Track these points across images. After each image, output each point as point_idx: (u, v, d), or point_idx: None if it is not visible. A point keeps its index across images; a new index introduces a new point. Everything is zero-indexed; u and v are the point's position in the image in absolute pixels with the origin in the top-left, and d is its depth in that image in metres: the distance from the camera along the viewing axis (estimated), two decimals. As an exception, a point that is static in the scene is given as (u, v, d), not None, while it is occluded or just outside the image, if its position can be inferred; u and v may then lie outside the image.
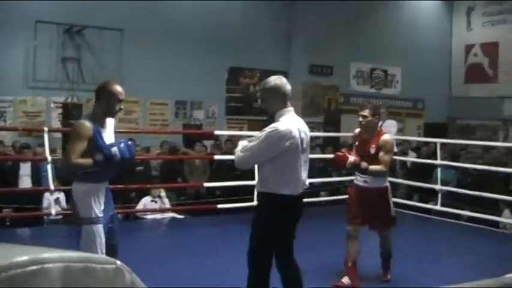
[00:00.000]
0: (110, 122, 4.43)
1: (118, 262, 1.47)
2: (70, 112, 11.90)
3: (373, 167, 5.40)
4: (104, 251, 4.16)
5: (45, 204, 9.11)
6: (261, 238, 4.26)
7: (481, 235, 8.77)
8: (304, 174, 4.35)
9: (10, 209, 9.15)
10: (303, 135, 4.31)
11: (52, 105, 12.65)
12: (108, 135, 4.36)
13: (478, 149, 13.21)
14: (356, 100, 17.15)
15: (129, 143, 4.35)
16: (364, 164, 5.33)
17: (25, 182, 9.62)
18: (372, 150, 5.51)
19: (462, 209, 9.73)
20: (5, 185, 9.23)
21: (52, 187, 8.35)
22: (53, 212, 8.57)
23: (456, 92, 19.05)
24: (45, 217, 9.24)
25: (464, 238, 8.67)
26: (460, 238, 8.68)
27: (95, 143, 4.18)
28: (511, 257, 7.24)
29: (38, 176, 9.59)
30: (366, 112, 5.55)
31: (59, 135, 11.46)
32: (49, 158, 8.27)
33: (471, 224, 9.38)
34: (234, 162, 4.54)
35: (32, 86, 12.41)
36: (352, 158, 5.28)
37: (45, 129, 8.58)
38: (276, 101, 4.35)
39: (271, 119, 4.36)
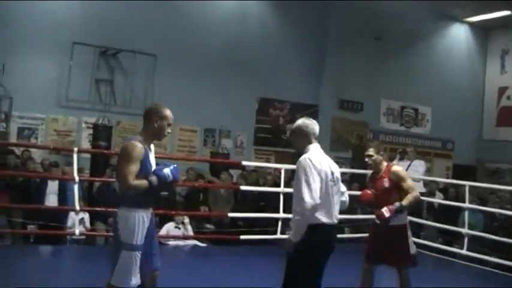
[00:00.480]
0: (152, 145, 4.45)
1: None
2: (100, 133, 12.02)
3: (405, 200, 5.49)
4: (137, 277, 4.17)
5: (69, 223, 9.14)
6: (302, 272, 4.29)
7: (506, 282, 8.59)
8: (337, 206, 4.46)
9: (35, 225, 9.22)
10: (332, 166, 4.47)
11: (83, 125, 12.78)
12: (153, 158, 4.39)
13: (507, 193, 12.99)
14: (385, 137, 17.09)
15: (175, 165, 4.33)
16: (397, 204, 5.43)
17: (51, 199, 9.67)
18: (386, 184, 5.64)
19: (488, 254, 9.54)
20: (32, 201, 9.32)
21: (78, 207, 8.41)
22: (77, 232, 8.61)
23: (487, 134, 18.85)
24: (68, 236, 9.27)
25: (488, 284, 8.49)
26: (485, 284, 8.50)
27: (146, 166, 4.21)
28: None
29: (64, 194, 9.65)
30: (371, 151, 5.74)
31: (87, 155, 11.58)
32: (76, 178, 8.35)
33: (497, 271, 9.18)
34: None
35: (64, 105, 12.56)
36: (386, 211, 5.42)
37: (75, 149, 8.71)
38: (304, 139, 4.51)
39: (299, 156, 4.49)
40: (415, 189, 5.64)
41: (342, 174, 4.88)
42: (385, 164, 5.76)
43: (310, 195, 4.18)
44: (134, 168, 4.13)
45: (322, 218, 4.28)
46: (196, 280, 6.89)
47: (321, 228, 4.27)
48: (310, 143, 4.49)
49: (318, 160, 4.34)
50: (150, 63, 13.07)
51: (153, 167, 4.29)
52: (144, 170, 4.19)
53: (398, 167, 5.83)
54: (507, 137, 17.91)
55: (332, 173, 4.41)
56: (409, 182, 5.60)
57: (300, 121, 4.59)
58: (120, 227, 4.20)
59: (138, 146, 4.18)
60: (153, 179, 4.18)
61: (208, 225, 10.49)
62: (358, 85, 16.00)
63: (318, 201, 4.17)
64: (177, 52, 13.55)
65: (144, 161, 4.20)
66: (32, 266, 7.26)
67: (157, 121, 4.31)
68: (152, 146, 4.42)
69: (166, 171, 4.21)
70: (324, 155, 4.50)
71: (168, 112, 4.37)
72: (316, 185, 4.22)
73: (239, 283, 6.87)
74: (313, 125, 4.55)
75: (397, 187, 5.58)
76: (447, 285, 8.18)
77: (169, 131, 4.41)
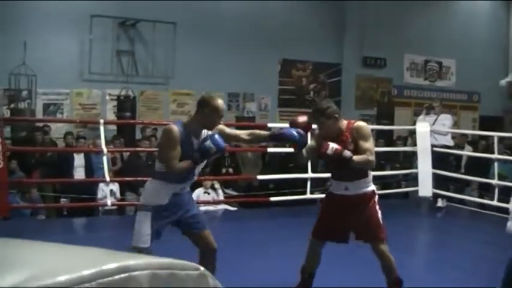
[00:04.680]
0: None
1: (201, 268, 1.44)
2: (124, 104, 12.11)
3: (357, 157, 4.48)
4: (144, 239, 4.34)
5: (99, 195, 9.26)
6: None
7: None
8: None
9: (68, 199, 9.36)
10: None
11: (107, 97, 12.85)
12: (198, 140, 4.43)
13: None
14: (409, 92, 16.95)
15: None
16: (347, 153, 4.43)
17: (79, 173, 9.79)
18: (350, 146, 4.57)
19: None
20: (61, 176, 9.45)
21: (108, 178, 8.50)
22: (109, 202, 8.71)
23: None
24: (100, 207, 9.40)
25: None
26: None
27: (185, 148, 4.31)
28: None
29: (91, 167, 9.77)
30: (318, 119, 4.66)
31: (113, 127, 11.68)
32: (105, 149, 8.42)
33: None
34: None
35: (87, 78, 12.63)
36: (335, 145, 4.42)
37: (101, 121, 8.79)
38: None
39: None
40: (373, 153, 4.56)
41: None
42: (344, 123, 4.71)
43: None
44: (175, 152, 4.27)
45: None
46: (227, 246, 6.95)
47: None
48: None
49: None
50: (169, 31, 13.03)
51: (195, 147, 4.37)
52: (186, 152, 4.30)
53: (361, 123, 4.78)
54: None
55: None
56: (367, 143, 4.57)
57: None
58: (142, 192, 4.59)
59: (173, 131, 4.29)
60: (195, 155, 4.31)
61: (227, 190, 10.47)
62: (380, 41, 15.81)
63: None
64: (196, 19, 13.49)
65: (183, 144, 4.29)
66: (69, 238, 7.38)
67: (206, 112, 4.37)
68: (204, 131, 4.44)
69: (208, 143, 4.26)
70: None
71: (218, 104, 4.40)
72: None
73: (273, 247, 6.93)
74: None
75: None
76: (479, 236, 8.17)
77: (221, 122, 4.50)
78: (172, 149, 4.27)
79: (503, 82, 4.49)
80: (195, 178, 4.65)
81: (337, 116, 4.63)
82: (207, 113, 4.37)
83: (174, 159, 4.27)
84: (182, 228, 4.59)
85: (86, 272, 1.22)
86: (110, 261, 1.30)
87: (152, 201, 4.39)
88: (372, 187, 4.79)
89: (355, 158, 4.46)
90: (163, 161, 4.37)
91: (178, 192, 4.47)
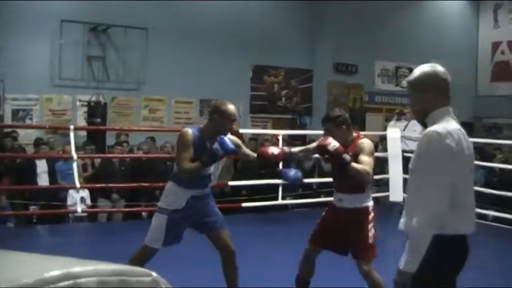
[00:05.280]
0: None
1: (154, 274, 1.41)
2: (95, 110, 12.00)
3: (356, 164, 4.38)
4: (157, 240, 4.55)
5: (69, 201, 9.15)
6: None
7: (505, 235, 8.67)
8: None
9: (37, 206, 9.24)
10: (470, 148, 3.05)
11: (78, 103, 12.73)
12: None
13: (507, 148, 13.03)
14: (381, 98, 17.09)
15: (227, 138, 4.43)
16: (347, 156, 4.32)
17: (43, 179, 9.63)
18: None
19: (487, 208, 9.60)
20: (28, 183, 9.29)
21: (78, 185, 8.41)
22: (79, 209, 8.62)
23: (482, 90, 18.84)
24: (70, 215, 9.29)
25: (488, 237, 8.57)
26: (484, 237, 8.58)
27: (198, 151, 4.45)
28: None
29: (54, 173, 9.62)
30: (327, 125, 4.69)
31: (84, 133, 11.57)
32: (75, 156, 8.34)
33: (496, 224, 9.27)
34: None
35: (57, 84, 12.51)
36: (337, 143, 4.33)
37: (71, 127, 8.69)
38: (433, 97, 3.11)
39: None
40: (371, 168, 4.50)
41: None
42: (354, 136, 4.74)
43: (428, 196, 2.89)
44: (186, 154, 4.45)
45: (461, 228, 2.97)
46: (200, 250, 6.91)
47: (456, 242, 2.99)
48: (444, 104, 3.08)
49: (452, 138, 2.88)
50: (141, 37, 12.97)
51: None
52: (198, 155, 4.44)
53: (367, 140, 4.72)
54: (502, 92, 17.90)
55: (470, 157, 3.03)
56: (368, 158, 4.52)
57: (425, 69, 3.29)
58: (162, 195, 4.73)
59: (187, 133, 4.49)
60: (204, 158, 4.41)
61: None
62: (352, 48, 15.91)
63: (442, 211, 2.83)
64: (168, 24, 13.45)
65: (196, 147, 4.46)
66: (37, 245, 7.28)
67: (217, 117, 4.52)
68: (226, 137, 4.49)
69: (215, 146, 4.35)
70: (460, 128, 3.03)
71: (228, 109, 4.50)
72: (439, 186, 2.84)
73: (245, 253, 6.91)
74: (446, 73, 3.28)
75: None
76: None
77: (234, 126, 4.68)
78: (184, 151, 4.44)
79: (404, 82, 4.60)
80: (213, 182, 4.81)
81: (345, 126, 4.66)
82: (217, 119, 4.50)
83: (184, 160, 4.43)
84: (200, 230, 4.77)
85: (27, 281, 1.18)
86: (55, 268, 1.26)
87: (169, 205, 4.57)
88: (368, 204, 4.69)
89: (354, 164, 4.37)
90: (176, 161, 4.55)
91: (196, 195, 4.62)
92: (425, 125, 3.07)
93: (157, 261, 4.26)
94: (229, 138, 4.44)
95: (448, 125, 2.95)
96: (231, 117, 4.51)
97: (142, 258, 4.54)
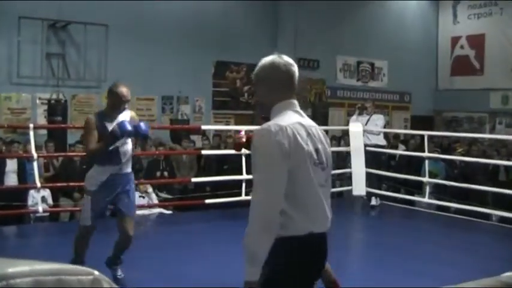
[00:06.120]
0: (125, 114, 5.21)
1: (96, 272, 1.36)
2: (55, 108, 11.83)
3: None
4: (85, 218, 5.13)
5: (30, 201, 9.01)
6: None
7: (469, 228, 8.81)
8: (328, 201, 2.92)
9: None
10: (317, 142, 2.88)
11: (37, 101, 12.53)
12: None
13: (466, 141, 13.26)
14: (343, 93, 17.20)
15: (126, 120, 5.05)
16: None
17: (11, 179, 9.49)
18: None
19: (449, 201, 9.75)
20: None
21: (38, 184, 8.28)
22: (40, 209, 8.51)
23: (442, 84, 19.08)
24: (31, 214, 9.15)
25: (449, 228, 8.70)
26: (446, 228, 8.71)
27: (103, 132, 5.00)
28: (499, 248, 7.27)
29: (24, 173, 9.49)
30: None
31: (44, 131, 11.40)
32: (35, 155, 8.21)
33: (460, 217, 9.40)
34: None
35: (16, 82, 12.27)
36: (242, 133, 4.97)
37: (31, 126, 8.57)
38: (273, 90, 2.96)
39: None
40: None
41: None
42: None
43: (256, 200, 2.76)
44: (91, 137, 5.04)
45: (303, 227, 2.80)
46: (162, 249, 6.89)
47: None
48: (287, 97, 2.94)
49: (283, 133, 2.71)
50: (101, 34, 12.80)
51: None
52: (102, 135, 5.01)
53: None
54: (462, 86, 18.16)
55: (317, 150, 2.84)
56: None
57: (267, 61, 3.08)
58: (85, 178, 5.27)
59: (89, 119, 5.16)
60: (105, 138, 4.98)
61: (160, 194, 10.40)
62: (313, 43, 15.98)
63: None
64: (129, 21, 13.30)
65: (100, 130, 5.03)
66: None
67: (112, 99, 5.16)
68: (123, 114, 5.17)
69: (114, 127, 4.91)
70: (305, 120, 2.92)
71: (122, 91, 5.10)
72: (272, 188, 2.68)
73: (209, 248, 6.90)
74: (288, 65, 3.02)
75: None
76: (412, 233, 8.35)
77: (126, 106, 5.17)
78: (88, 135, 5.09)
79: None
80: (125, 159, 5.20)
81: None
82: (111, 100, 5.18)
83: (89, 142, 5.07)
84: (116, 207, 5.26)
85: None
86: None
87: (90, 187, 5.13)
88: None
89: None
90: (84, 145, 5.41)
91: (114, 173, 5.13)
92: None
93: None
94: (128, 121, 4.99)
95: (285, 120, 2.78)
96: (122, 98, 5.07)
97: (82, 238, 5.18)
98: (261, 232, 2.63)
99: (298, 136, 2.72)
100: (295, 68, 3.02)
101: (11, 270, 1.24)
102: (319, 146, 2.83)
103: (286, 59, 3.03)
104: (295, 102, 2.92)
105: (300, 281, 2.83)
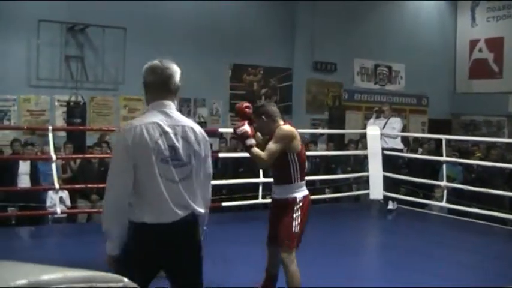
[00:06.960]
0: None
1: (125, 280, 1.39)
2: (74, 110, 11.92)
3: (255, 149, 4.56)
4: None
5: (48, 203, 9.08)
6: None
7: (486, 232, 8.74)
8: (186, 194, 3.15)
9: (15, 207, 9.14)
10: (176, 141, 3.15)
11: (56, 103, 12.62)
12: None
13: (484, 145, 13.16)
14: (360, 96, 17.14)
15: None
16: (250, 141, 4.55)
17: (24, 180, 9.54)
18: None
19: (467, 206, 9.67)
20: (4, 183, 9.18)
21: (57, 186, 8.34)
22: (58, 210, 8.55)
23: (460, 87, 18.97)
24: (49, 216, 9.22)
25: (466, 233, 8.64)
26: (463, 233, 8.65)
27: None
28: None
29: (36, 175, 9.54)
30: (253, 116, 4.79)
31: (63, 133, 11.48)
32: (54, 156, 8.26)
33: (477, 221, 9.32)
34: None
35: (35, 84, 12.38)
36: (247, 128, 4.57)
37: (50, 128, 8.60)
38: (148, 92, 3.36)
39: None
40: (270, 156, 4.54)
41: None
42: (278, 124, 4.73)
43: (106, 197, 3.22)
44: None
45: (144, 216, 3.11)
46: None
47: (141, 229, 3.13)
48: (155, 99, 3.28)
49: (131, 132, 3.06)
50: (119, 36, 12.88)
51: None
52: None
53: (286, 127, 4.72)
54: (480, 90, 18.05)
55: (174, 148, 3.12)
56: (272, 146, 4.57)
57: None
58: None
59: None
60: None
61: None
62: (330, 46, 15.96)
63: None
64: (147, 24, 13.38)
65: None
66: (15, 247, 7.22)
67: None
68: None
69: None
70: (171, 117, 3.23)
71: None
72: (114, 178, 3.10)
73: (224, 250, 6.91)
74: (164, 69, 3.41)
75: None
76: (429, 237, 8.30)
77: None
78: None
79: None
80: None
81: (265, 116, 4.74)
82: None
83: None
84: None
85: None
86: (20, 277, 1.22)
87: None
88: (296, 194, 4.68)
89: (253, 150, 4.56)
90: None
91: None
92: None
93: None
94: None
95: (142, 119, 3.15)
96: None
97: None
98: (108, 215, 3.08)
99: (146, 134, 3.03)
100: (172, 71, 3.40)
101: (46, 277, 1.25)
102: (178, 144, 3.11)
103: (165, 63, 3.39)
104: (168, 103, 3.25)
105: (142, 263, 3.11)
